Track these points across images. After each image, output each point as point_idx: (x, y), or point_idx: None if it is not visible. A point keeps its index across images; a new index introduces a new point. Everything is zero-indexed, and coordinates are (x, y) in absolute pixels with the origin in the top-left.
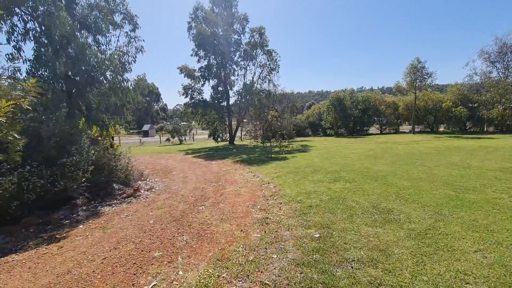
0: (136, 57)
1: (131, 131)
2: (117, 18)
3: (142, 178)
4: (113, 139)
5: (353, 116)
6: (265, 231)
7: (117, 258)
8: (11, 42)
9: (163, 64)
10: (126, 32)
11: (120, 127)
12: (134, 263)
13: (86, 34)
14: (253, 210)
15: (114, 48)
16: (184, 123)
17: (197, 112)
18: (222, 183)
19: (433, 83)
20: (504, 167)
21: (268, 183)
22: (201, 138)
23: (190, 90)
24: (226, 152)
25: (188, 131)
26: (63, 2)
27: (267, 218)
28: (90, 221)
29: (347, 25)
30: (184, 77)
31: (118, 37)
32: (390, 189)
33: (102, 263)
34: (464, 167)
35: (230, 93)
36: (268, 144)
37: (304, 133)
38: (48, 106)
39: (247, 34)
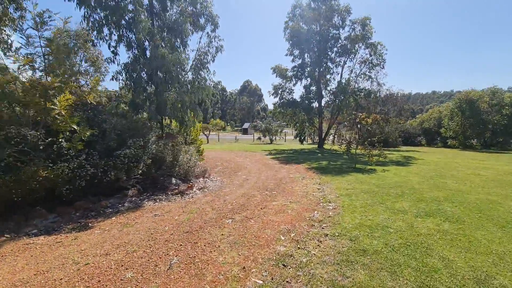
0: (215, 56)
1: (236, 128)
2: (201, 20)
3: (206, 175)
4: (206, 134)
5: (492, 123)
6: (272, 278)
7: (93, 269)
8: (110, 47)
9: (267, 66)
10: (207, 33)
11: (228, 123)
12: (98, 281)
13: (172, 37)
14: (282, 238)
15: (196, 49)
16: (277, 122)
17: (286, 112)
18: (276, 192)
19: None
20: None
21: (329, 201)
22: (293, 139)
23: (280, 90)
24: (308, 156)
25: (279, 131)
26: (156, 9)
27: (292, 256)
28: (125, 214)
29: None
30: (276, 77)
31: (200, 38)
32: None
33: (78, 270)
34: None
35: (324, 93)
36: (353, 152)
37: (415, 141)
38: (136, 106)
39: (347, 27)
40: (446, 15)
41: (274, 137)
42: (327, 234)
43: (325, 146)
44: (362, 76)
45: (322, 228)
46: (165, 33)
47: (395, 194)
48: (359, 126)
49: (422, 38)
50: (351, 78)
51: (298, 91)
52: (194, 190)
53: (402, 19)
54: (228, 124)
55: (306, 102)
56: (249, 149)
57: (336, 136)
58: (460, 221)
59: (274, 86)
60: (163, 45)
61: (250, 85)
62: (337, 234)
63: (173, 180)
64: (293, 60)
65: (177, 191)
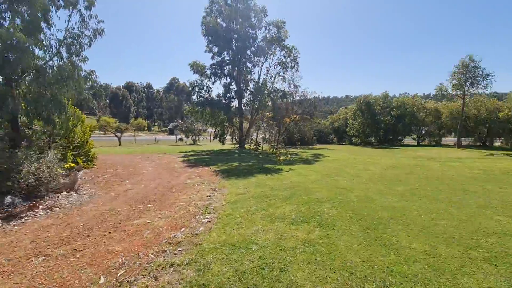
0: (93, 40)
1: (164, 128)
2: None
3: (76, 187)
4: (118, 136)
5: (384, 123)
6: None
7: None
8: None
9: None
10: (80, 10)
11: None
12: None
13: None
14: (102, 280)
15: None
16: (198, 122)
17: (205, 111)
18: (153, 205)
19: (490, 85)
20: None
21: (210, 212)
22: (212, 139)
23: (198, 88)
24: (223, 157)
25: (203, 130)
26: None
27: None
28: None
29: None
30: (194, 73)
31: (70, 16)
32: (383, 259)
33: None
34: None
35: (246, 92)
36: (268, 150)
37: (328, 140)
38: None
39: (264, 28)
40: (360, 27)
41: (197, 138)
42: (173, 264)
43: (246, 146)
44: (278, 77)
45: (174, 254)
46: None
47: (284, 197)
48: (277, 126)
49: (340, 47)
50: (267, 78)
51: (218, 90)
52: (36, 211)
53: (322, 29)
54: (155, 124)
55: (225, 101)
56: (165, 151)
57: (253, 136)
58: (331, 225)
59: (190, 83)
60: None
61: (178, 83)
62: (186, 262)
63: (8, 199)
64: (212, 57)
65: (5, 214)
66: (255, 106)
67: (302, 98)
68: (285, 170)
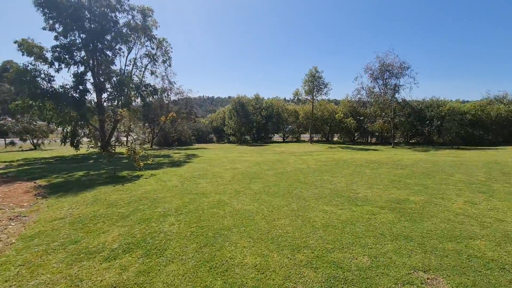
0: None
1: None
2: None
3: None
4: None
5: (256, 122)
6: None
7: None
8: None
9: None
10: None
11: None
12: None
13: None
14: None
15: None
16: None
17: (44, 106)
18: None
19: (329, 92)
20: (393, 199)
21: None
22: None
23: (30, 75)
24: (65, 167)
25: (49, 132)
26: None
27: None
28: None
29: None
30: (23, 55)
31: None
32: None
33: None
34: (351, 200)
35: (108, 85)
36: (131, 154)
37: (208, 139)
38: None
39: (126, 12)
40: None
41: (40, 141)
42: None
43: (120, 150)
44: (147, 71)
45: None
46: None
47: (120, 215)
48: (150, 126)
49: (226, 51)
50: (134, 72)
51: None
52: None
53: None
54: None
55: (77, 94)
56: None
57: (135, 136)
58: (162, 251)
59: (17, 69)
60: None
61: (17, 68)
62: None
63: None
64: (56, 38)
65: None
66: (121, 102)
67: (178, 95)
68: (145, 177)
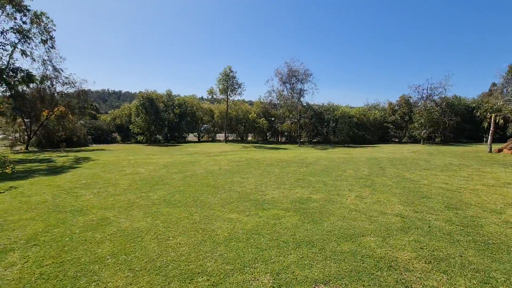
0: None
1: None
2: None
3: None
4: None
5: (168, 120)
6: None
7: None
8: None
9: None
10: None
11: None
12: None
13: None
14: None
15: None
16: None
17: None
18: None
19: (243, 93)
20: (298, 199)
21: None
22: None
23: None
24: None
25: None
26: None
27: None
28: None
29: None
30: None
31: None
32: None
33: None
34: (259, 204)
35: None
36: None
37: (110, 138)
38: None
39: None
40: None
41: None
42: None
43: None
44: (16, 51)
45: None
46: None
47: None
48: (26, 122)
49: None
50: None
51: None
52: None
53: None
54: None
55: None
56: None
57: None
58: None
59: None
60: None
61: None
62: None
63: None
64: None
65: None
66: None
67: (68, 86)
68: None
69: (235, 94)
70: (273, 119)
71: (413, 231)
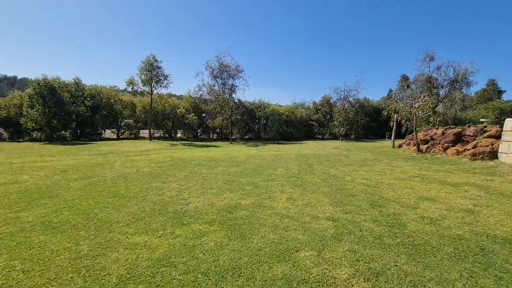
0: None
1: None
2: None
3: None
4: None
5: (77, 114)
6: None
7: None
8: None
9: None
10: None
11: None
12: None
13: None
14: None
15: None
16: None
17: None
18: None
19: (169, 85)
20: (225, 206)
21: None
22: None
23: None
24: None
25: None
26: None
27: None
28: None
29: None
30: None
31: None
32: None
33: None
34: (177, 218)
35: None
36: None
37: None
38: None
39: None
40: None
41: None
42: None
43: None
44: None
45: None
46: None
47: None
48: None
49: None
50: None
51: None
52: None
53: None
54: None
55: None
56: None
57: None
58: None
59: None
60: None
61: None
62: None
63: None
64: None
65: None
66: None
67: None
68: None
69: (160, 86)
70: (204, 115)
71: (346, 238)
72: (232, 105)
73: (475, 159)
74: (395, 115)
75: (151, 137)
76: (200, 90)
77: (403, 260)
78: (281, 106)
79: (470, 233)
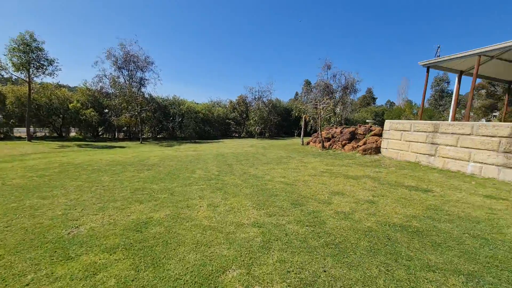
0: None
1: None
2: None
3: None
4: None
5: None
6: None
7: None
8: None
9: None
10: None
11: None
12: None
13: None
14: None
15: None
16: None
17: None
18: None
19: (56, 73)
20: (132, 224)
21: None
22: None
23: None
24: None
25: None
26: None
27: None
28: None
29: None
30: None
31: None
32: None
33: None
34: (61, 249)
35: None
36: None
37: None
38: None
39: None
40: None
41: None
42: None
43: None
44: None
45: None
46: None
47: None
48: None
49: None
50: None
51: None
52: None
53: None
54: None
55: None
56: None
57: None
58: None
59: None
60: None
61: None
62: None
63: None
64: None
65: None
66: None
67: None
68: None
69: (43, 73)
70: (106, 110)
71: (274, 245)
72: (142, 100)
73: (366, 154)
74: (304, 115)
75: (31, 137)
76: (101, 82)
77: (330, 263)
78: (197, 103)
79: (377, 224)
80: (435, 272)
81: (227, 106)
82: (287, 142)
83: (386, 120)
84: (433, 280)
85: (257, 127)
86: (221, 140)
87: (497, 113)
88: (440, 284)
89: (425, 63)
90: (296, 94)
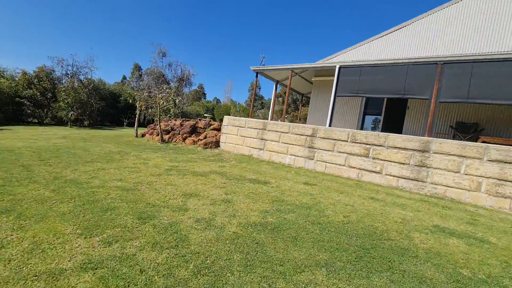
0: None
1: None
2: None
3: None
4: None
5: None
6: None
7: None
8: None
9: None
10: None
11: None
12: None
13: None
14: None
15: None
16: None
17: None
18: None
19: None
20: None
21: None
22: None
23: None
24: None
25: None
26: None
27: None
28: None
29: None
30: None
31: None
32: None
33: None
34: None
35: None
36: None
37: None
38: None
39: None
40: None
41: None
42: None
43: None
44: None
45: None
46: None
47: None
48: None
49: None
50: None
51: None
52: None
53: None
54: None
55: None
56: None
57: None
58: None
59: None
60: None
61: None
62: None
63: None
64: None
65: None
66: None
67: None
68: None
69: None
70: None
71: None
72: None
73: (207, 148)
74: (140, 103)
75: None
76: None
77: None
78: None
79: (240, 227)
80: (305, 271)
81: (17, 79)
82: (117, 133)
83: (225, 116)
84: (308, 282)
85: (72, 112)
86: (6, 127)
87: (287, 116)
88: (315, 285)
89: (254, 68)
90: (124, 77)
